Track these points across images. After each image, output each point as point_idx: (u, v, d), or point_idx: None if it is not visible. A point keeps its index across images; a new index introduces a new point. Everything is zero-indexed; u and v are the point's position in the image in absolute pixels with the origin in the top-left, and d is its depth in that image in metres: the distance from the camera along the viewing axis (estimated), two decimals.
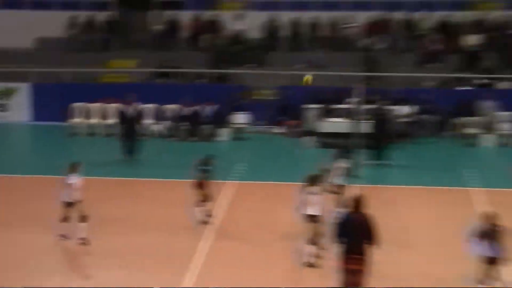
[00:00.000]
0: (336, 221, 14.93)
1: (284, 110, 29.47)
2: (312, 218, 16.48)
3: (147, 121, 29.20)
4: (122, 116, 25.51)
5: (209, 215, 18.88)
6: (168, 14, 33.46)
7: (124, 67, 32.46)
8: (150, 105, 29.53)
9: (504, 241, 14.50)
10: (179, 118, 28.79)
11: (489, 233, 14.65)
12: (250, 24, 33.01)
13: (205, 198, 18.72)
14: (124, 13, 36.14)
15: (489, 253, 14.70)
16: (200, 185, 18.61)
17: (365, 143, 25.60)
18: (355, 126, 22.87)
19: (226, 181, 22.43)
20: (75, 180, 17.24)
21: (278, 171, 24.29)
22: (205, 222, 18.65)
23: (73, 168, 17.33)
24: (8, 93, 31.32)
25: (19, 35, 33.57)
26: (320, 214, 16.44)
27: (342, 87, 29.21)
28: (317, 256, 16.49)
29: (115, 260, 16.37)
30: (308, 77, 26.15)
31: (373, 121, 25.43)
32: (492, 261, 14.80)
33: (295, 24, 32.78)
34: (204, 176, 18.65)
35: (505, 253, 14.55)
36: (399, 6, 32.79)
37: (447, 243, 17.60)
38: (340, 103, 28.41)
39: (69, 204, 17.13)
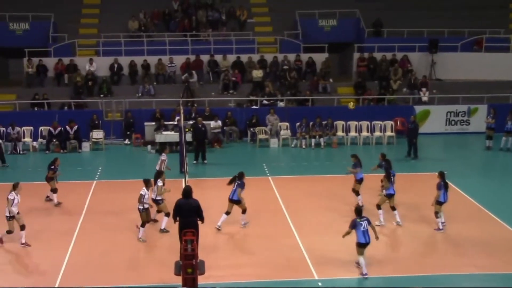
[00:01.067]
0: (174, 206, 14.88)
1: (130, 127, 28.78)
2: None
3: (26, 140, 27.71)
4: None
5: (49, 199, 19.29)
6: (38, 60, 31.77)
7: (7, 99, 30.43)
8: (28, 127, 27.92)
9: None
10: (51, 136, 27.38)
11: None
12: (99, 65, 32.00)
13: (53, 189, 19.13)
14: (2, 60, 34.20)
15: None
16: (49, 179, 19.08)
17: (189, 148, 25.77)
18: (181, 136, 22.70)
19: (92, 181, 21.85)
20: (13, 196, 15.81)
21: (128, 171, 23.76)
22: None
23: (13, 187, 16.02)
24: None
25: None
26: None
27: (170, 109, 29.36)
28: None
29: None
30: (351, 103, 27.05)
31: (193, 132, 25.47)
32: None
33: (132, 65, 32.08)
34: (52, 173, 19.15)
35: None
36: (206, 51, 32.89)
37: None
38: (170, 120, 28.31)
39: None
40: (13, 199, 15.90)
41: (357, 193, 18.92)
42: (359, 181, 18.85)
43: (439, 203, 17.39)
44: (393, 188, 17.38)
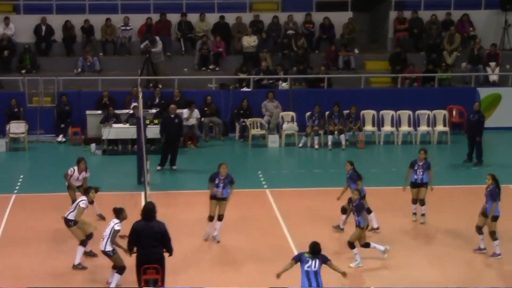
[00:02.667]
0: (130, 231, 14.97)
1: (65, 117, 28.83)
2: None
3: None
4: None
5: None
6: None
7: None
8: None
9: None
10: None
11: None
12: (19, 27, 32.02)
13: None
14: None
15: None
16: None
17: (151, 149, 25.91)
18: (140, 131, 22.81)
19: (9, 194, 21.98)
20: None
21: (62, 181, 23.76)
22: None
23: None
24: None
25: None
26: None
27: (122, 91, 29.48)
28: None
29: None
30: None
31: (160, 125, 25.60)
32: None
33: (68, 28, 32.13)
34: None
35: None
36: (176, 8, 33.00)
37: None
38: (124, 108, 28.44)
39: None
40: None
41: (344, 211, 19.32)
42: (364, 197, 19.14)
43: (495, 218, 17.70)
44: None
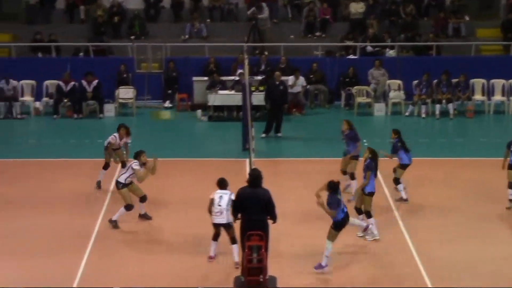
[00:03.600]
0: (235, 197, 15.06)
1: (172, 83, 29.24)
2: None
3: (26, 99, 28.60)
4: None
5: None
6: None
7: None
8: (28, 81, 28.73)
9: None
10: (60, 94, 28.11)
11: None
12: None
13: None
14: None
15: None
16: None
17: (256, 116, 26.02)
18: (246, 98, 22.91)
19: None
20: None
21: (169, 147, 24.17)
22: None
23: None
24: None
25: None
26: None
27: (228, 58, 29.62)
28: None
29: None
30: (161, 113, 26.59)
31: (265, 92, 25.67)
32: None
33: None
34: None
35: None
36: None
37: None
38: (230, 75, 28.58)
39: None
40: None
41: (396, 181, 18.94)
42: (403, 166, 18.82)
43: None
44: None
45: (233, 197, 15.25)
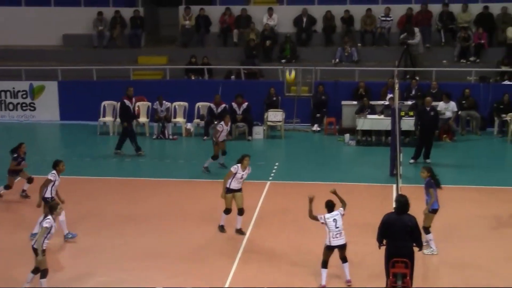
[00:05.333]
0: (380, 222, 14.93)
1: (321, 107, 29.34)
2: None
3: (178, 120, 29.37)
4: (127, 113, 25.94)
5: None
6: (198, 9, 33.43)
7: (154, 64, 32.46)
8: (181, 103, 29.52)
9: None
10: (211, 116, 28.65)
11: None
12: (282, 18, 32.95)
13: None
14: (152, 9, 36.41)
15: None
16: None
17: (405, 141, 25.73)
18: (395, 123, 22.67)
19: (264, 181, 22.60)
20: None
21: (315, 170, 24.21)
22: None
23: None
24: (36, 92, 31.36)
25: (46, 32, 33.82)
26: None
27: (378, 82, 29.49)
28: None
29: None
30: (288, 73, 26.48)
31: (416, 117, 25.34)
32: None
33: (328, 18, 32.62)
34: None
35: None
36: None
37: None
38: (379, 99, 28.46)
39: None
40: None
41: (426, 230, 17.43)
42: (433, 211, 17.42)
43: None
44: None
45: (342, 212, 15.43)
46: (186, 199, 21.06)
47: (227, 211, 18.33)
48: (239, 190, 18.24)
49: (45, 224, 15.00)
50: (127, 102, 25.88)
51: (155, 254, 17.08)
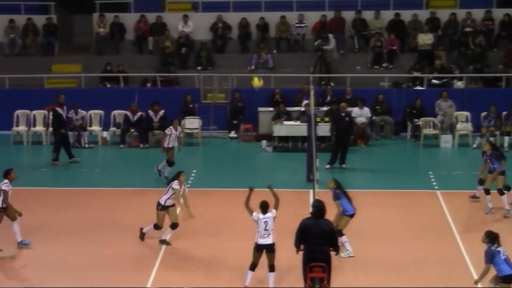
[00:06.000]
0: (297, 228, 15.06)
1: (238, 113, 29.43)
2: None
3: (94, 128, 29.04)
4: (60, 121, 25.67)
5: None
6: (113, 16, 33.19)
7: (69, 72, 32.07)
8: (96, 111, 29.22)
9: None
10: (127, 124, 28.49)
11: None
12: (197, 25, 32.96)
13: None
14: (65, 16, 36.00)
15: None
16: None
17: (320, 147, 26.01)
18: (311, 129, 22.91)
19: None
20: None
21: (232, 176, 24.31)
22: None
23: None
24: None
25: None
26: None
27: (294, 89, 29.73)
28: None
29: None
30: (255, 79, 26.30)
31: (331, 123, 25.67)
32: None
33: (243, 25, 32.78)
34: None
35: None
36: (350, 5, 33.00)
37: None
38: (295, 106, 28.68)
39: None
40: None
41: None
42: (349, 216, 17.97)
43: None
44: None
45: (274, 215, 15.59)
46: (110, 209, 20.92)
47: (157, 227, 18.12)
48: (173, 205, 18.15)
49: None
50: (59, 110, 25.68)
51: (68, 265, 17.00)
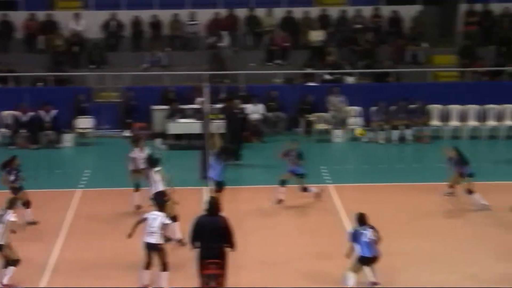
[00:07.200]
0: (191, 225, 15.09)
1: (131, 112, 29.22)
2: None
3: None
4: None
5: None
6: (0, 14, 32.48)
7: None
8: None
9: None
10: (17, 125, 27.97)
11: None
12: (89, 23, 32.55)
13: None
14: None
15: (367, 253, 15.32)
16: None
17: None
18: (206, 126, 22.98)
19: (74, 189, 22.31)
20: None
21: (126, 176, 24.12)
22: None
23: None
24: None
25: None
26: None
27: (188, 86, 29.72)
28: None
29: None
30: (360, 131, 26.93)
31: (225, 120, 25.77)
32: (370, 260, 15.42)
33: (136, 23, 32.56)
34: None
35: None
36: (242, 3, 33.16)
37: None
38: (189, 103, 28.67)
39: None
40: None
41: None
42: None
43: None
44: None
45: (165, 220, 15.50)
46: None
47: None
48: None
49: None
50: None
51: None
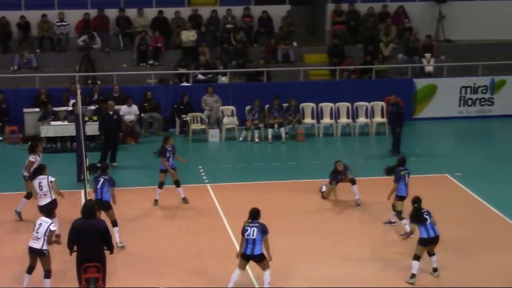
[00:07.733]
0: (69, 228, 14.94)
1: (1, 115, 28.47)
2: None
3: None
4: None
5: None
6: None
7: None
8: None
9: None
10: None
11: None
12: None
13: None
14: None
15: None
16: None
17: (90, 146, 25.84)
18: (79, 129, 22.69)
19: None
20: None
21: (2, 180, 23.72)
22: None
23: None
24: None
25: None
26: None
27: (60, 88, 29.29)
28: None
29: None
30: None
31: (99, 122, 25.54)
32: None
33: (3, 24, 31.72)
34: None
35: None
36: (113, 3, 32.88)
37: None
38: (62, 105, 28.28)
39: None
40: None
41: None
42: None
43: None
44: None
45: (52, 227, 15.36)
46: None
47: None
48: None
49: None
50: None
51: None
